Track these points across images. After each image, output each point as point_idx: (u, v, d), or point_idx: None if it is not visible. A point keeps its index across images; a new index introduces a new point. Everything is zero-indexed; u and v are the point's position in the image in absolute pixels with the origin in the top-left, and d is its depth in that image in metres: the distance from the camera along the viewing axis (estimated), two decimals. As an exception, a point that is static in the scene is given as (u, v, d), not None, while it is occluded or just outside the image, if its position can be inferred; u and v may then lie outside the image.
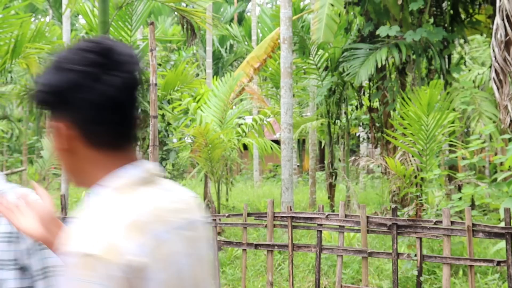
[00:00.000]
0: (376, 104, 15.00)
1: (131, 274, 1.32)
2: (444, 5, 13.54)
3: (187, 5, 13.36)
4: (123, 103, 1.47)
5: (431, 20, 13.33)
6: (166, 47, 16.32)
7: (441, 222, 6.05)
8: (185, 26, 12.23)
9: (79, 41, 1.50)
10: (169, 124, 13.75)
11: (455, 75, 13.59)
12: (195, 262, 1.53)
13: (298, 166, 29.11)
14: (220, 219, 7.53)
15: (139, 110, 1.55)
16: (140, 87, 1.52)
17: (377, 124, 14.48)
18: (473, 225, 5.85)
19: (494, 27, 8.49)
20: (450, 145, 11.49)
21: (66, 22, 17.81)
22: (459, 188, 11.02)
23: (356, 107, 16.44)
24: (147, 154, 13.26)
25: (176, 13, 13.63)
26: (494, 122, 10.91)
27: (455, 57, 14.33)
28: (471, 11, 13.71)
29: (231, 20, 37.53)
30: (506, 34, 8.17)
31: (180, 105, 13.59)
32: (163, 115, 13.30)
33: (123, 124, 1.50)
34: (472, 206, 11.08)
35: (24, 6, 24.00)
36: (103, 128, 1.46)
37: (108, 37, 1.55)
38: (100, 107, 1.44)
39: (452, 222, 6.04)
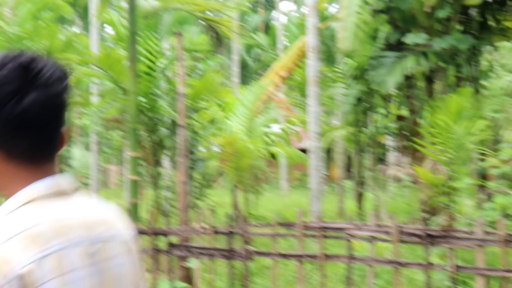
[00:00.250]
0: (404, 112, 14.91)
1: (20, 286, 1.31)
2: (472, 12, 13.43)
3: (213, 14, 13.41)
4: (39, 120, 1.45)
5: (459, 27, 13.22)
6: (192, 56, 16.40)
7: (474, 232, 5.98)
8: (211, 35, 12.29)
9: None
10: (196, 133, 13.81)
11: (484, 82, 13.46)
12: (98, 278, 1.48)
13: (325, 175, 28.98)
14: (249, 229, 7.51)
15: (64, 126, 1.54)
16: (65, 104, 1.50)
17: (405, 133, 14.39)
18: (508, 235, 5.78)
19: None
20: (480, 154, 11.36)
21: (95, 32, 17.96)
22: (490, 197, 10.88)
23: (384, 115, 16.35)
24: (175, 163, 13.30)
25: (202, 22, 13.70)
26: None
27: (484, 64, 14.18)
28: (499, 17, 13.58)
29: (257, 28, 37.60)
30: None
31: (207, 114, 13.64)
32: (190, 125, 13.34)
33: (40, 140, 1.47)
34: (505, 215, 10.93)
35: (52, 16, 24.24)
36: (16, 142, 1.45)
37: (31, 51, 1.53)
38: (13, 122, 1.42)
39: (485, 232, 5.96)
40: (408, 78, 13.44)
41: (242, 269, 7.41)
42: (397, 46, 13.48)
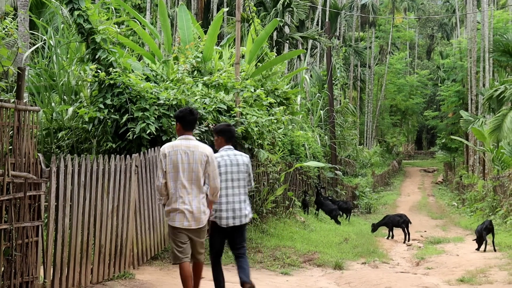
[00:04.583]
0: None
1: (164, 156, 7.83)
2: None
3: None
4: (188, 121, 8.07)
5: None
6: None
7: None
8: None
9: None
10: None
11: None
12: (187, 156, 7.77)
13: None
14: None
15: (197, 123, 10.03)
16: (196, 119, 8.31)
17: None
18: None
19: None
20: None
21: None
22: None
23: None
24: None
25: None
26: None
27: None
28: None
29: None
30: None
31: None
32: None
33: (187, 124, 8.10)
34: None
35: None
36: (182, 124, 8.23)
37: (193, 107, 10.74)
38: (184, 121, 8.25)
39: None
40: None
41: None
42: None
